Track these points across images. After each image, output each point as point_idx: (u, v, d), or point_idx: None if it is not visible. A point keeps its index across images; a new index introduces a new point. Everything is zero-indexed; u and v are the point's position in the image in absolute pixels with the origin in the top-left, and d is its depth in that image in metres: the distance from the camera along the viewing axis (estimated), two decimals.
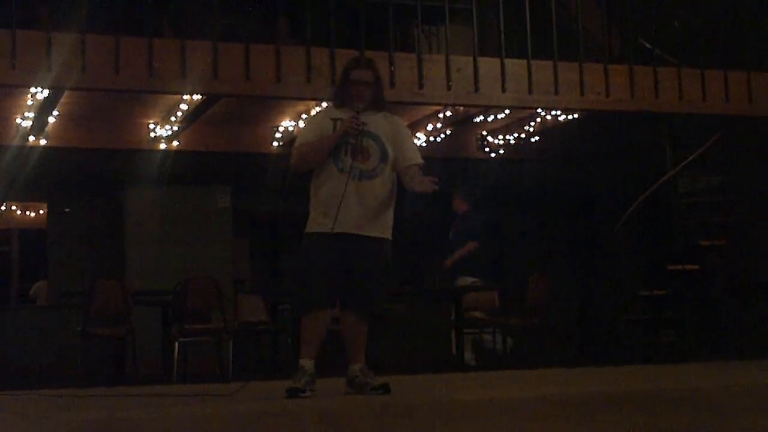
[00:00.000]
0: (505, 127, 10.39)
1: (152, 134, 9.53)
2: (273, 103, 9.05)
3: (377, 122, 5.08)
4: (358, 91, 5.07)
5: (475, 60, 8.24)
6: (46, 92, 7.99)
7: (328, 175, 4.99)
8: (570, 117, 9.69)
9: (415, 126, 10.02)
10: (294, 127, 9.77)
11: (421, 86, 8.04)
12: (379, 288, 5.09)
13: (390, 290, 5.26)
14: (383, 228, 5.04)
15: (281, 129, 9.87)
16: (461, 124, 10.02)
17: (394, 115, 5.31)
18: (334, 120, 5.07)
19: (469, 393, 5.02)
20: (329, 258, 4.92)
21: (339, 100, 5.18)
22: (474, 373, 7.83)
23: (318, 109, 9.02)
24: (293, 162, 5.14)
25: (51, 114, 8.76)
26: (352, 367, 4.99)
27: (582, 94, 8.51)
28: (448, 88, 8.17)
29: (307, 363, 4.87)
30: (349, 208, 4.90)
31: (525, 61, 8.36)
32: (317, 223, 4.98)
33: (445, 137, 10.17)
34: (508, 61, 8.31)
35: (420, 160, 5.15)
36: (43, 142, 9.16)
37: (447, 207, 10.41)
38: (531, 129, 10.23)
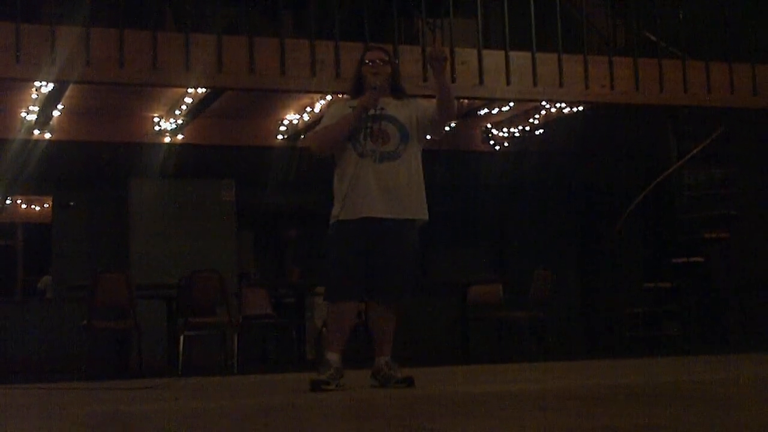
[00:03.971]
0: (510, 120, 10.38)
1: (157, 128, 9.53)
2: (277, 97, 9.04)
3: (396, 107, 5.07)
4: (374, 66, 5.08)
5: (479, 52, 8.22)
6: (50, 86, 8.00)
7: (348, 161, 4.94)
8: (575, 109, 9.68)
9: None
10: (298, 120, 9.77)
11: (425, 79, 8.02)
12: (406, 276, 4.97)
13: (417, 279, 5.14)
14: (410, 209, 4.95)
15: (285, 122, 9.87)
16: (466, 116, 10.01)
17: (414, 99, 5.29)
18: (353, 108, 5.04)
19: (477, 386, 5.03)
20: (353, 246, 4.87)
21: (356, 89, 5.15)
22: (480, 366, 7.84)
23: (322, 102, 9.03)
24: (313, 147, 5.14)
25: (55, 108, 8.77)
26: (378, 360, 4.95)
27: (587, 86, 8.49)
28: (453, 80, 8.15)
29: (332, 356, 4.83)
30: (370, 191, 4.85)
31: (529, 53, 8.34)
32: (339, 210, 4.92)
33: (449, 130, 10.16)
34: (512, 54, 8.29)
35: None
36: (47, 135, 9.18)
37: (456, 200, 10.37)
38: (535, 122, 10.23)
